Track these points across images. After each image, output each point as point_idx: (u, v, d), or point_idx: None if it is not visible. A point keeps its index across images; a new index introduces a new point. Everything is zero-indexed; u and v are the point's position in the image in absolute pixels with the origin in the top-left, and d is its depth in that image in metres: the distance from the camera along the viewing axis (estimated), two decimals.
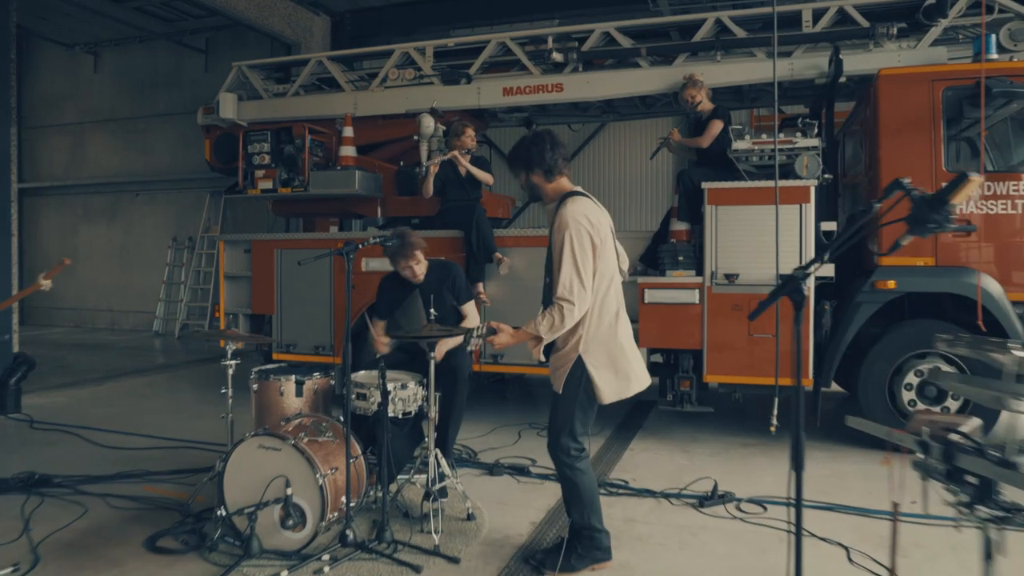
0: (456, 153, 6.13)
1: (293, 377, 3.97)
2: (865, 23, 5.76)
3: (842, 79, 5.69)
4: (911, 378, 5.12)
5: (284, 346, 6.73)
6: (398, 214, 7.30)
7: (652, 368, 5.58)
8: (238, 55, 9.33)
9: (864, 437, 2.99)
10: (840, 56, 5.50)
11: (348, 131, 7.11)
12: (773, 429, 4.75)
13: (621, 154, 11.30)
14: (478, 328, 3.18)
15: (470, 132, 6.26)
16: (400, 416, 3.81)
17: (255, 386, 3.97)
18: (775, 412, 4.69)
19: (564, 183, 3.27)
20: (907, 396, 5.14)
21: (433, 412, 3.72)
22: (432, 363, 3.67)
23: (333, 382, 4.18)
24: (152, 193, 14.53)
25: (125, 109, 14.67)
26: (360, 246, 3.58)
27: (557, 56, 6.57)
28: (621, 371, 3.15)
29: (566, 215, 3.06)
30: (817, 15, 5.93)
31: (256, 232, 7.39)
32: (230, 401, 3.88)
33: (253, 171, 7.13)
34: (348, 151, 7.10)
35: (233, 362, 3.86)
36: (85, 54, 14.79)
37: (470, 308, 4.58)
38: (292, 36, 11.25)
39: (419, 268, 4.35)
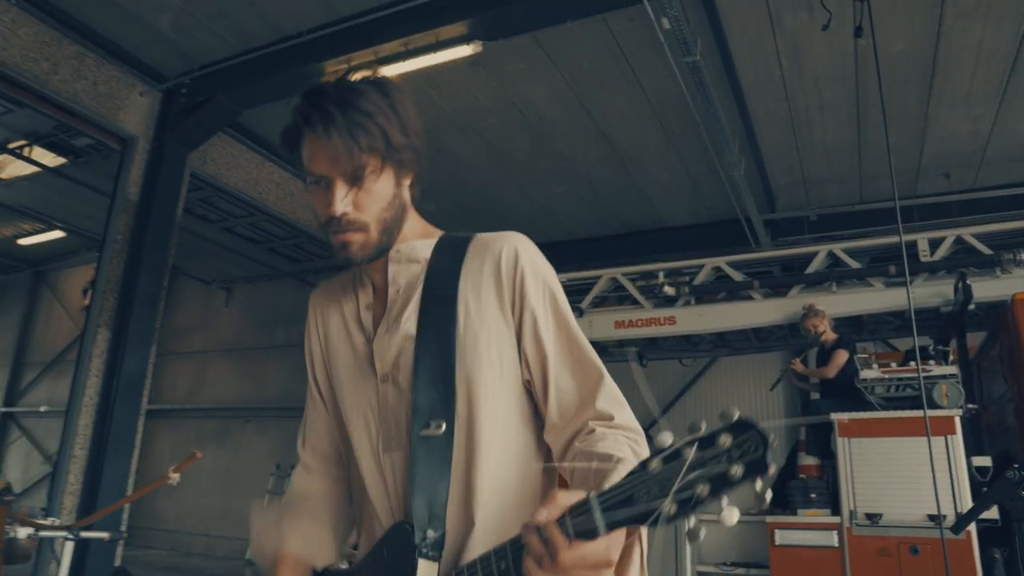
0: None
1: None
2: (987, 251, 5.73)
3: (971, 306, 5.54)
4: None
5: None
6: None
7: None
8: None
9: None
10: (967, 282, 5.40)
11: None
12: None
13: (732, 389, 11.06)
14: None
15: None
16: None
17: None
18: None
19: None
20: None
21: None
22: None
23: None
24: (262, 420, 15.07)
25: (247, 340, 15.81)
26: None
27: (669, 290, 6.75)
28: None
29: (537, 259, 1.32)
30: (934, 244, 5.95)
31: None
32: None
33: None
34: None
35: None
36: (219, 290, 16.38)
37: None
38: None
39: None
